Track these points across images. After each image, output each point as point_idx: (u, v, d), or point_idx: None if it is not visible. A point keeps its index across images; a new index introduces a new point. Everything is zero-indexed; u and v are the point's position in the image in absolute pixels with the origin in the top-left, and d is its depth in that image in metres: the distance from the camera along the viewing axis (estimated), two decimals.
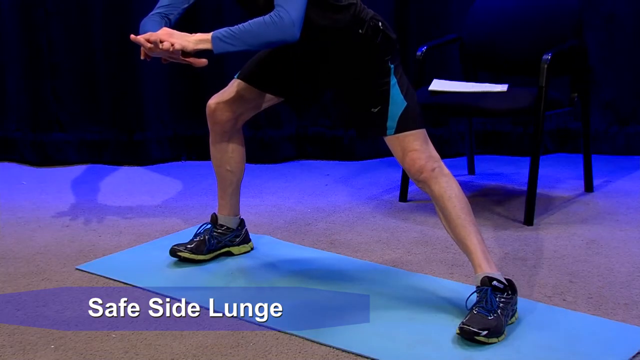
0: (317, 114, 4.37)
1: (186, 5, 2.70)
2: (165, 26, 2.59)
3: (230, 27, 2.41)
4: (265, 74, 2.79)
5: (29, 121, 4.36)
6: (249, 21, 2.40)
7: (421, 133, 2.59)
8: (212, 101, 2.85)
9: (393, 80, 2.59)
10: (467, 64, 3.81)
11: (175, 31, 2.47)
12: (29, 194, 3.86)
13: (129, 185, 4.01)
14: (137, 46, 2.50)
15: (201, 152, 4.27)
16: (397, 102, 2.58)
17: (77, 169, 4.28)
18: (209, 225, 3.00)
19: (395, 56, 2.61)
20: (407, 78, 2.64)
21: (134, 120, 4.35)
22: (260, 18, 2.39)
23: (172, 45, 2.41)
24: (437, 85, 3.53)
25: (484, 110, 3.43)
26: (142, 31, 2.59)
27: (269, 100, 2.84)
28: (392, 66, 2.59)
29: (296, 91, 2.80)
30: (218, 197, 3.00)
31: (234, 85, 2.83)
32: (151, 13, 2.68)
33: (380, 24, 2.59)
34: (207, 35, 2.41)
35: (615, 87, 4.25)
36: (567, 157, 4.28)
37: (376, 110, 2.59)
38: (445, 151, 4.26)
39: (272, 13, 2.39)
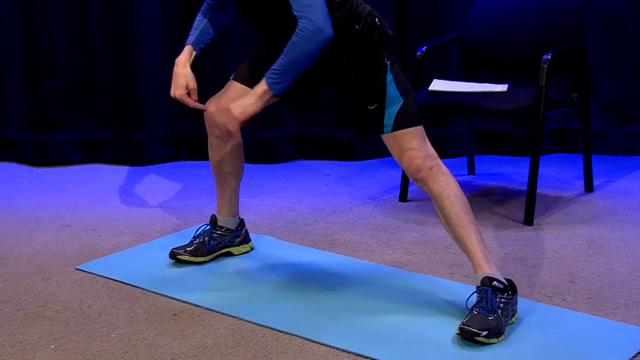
0: (317, 114, 4.36)
1: None
2: (224, 17, 2.78)
3: (274, 66, 2.49)
4: (259, 74, 2.78)
5: (28, 121, 4.35)
6: (284, 51, 2.46)
7: (418, 131, 2.58)
8: (210, 104, 2.84)
9: (389, 77, 2.57)
10: (467, 64, 3.81)
11: (239, 100, 2.58)
12: (29, 194, 3.86)
13: (129, 185, 4.01)
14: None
15: (201, 152, 4.27)
16: (394, 100, 2.56)
17: (77, 169, 4.27)
18: (208, 227, 2.99)
19: (392, 53, 2.59)
20: (404, 75, 2.62)
21: (134, 120, 4.34)
22: (291, 41, 2.44)
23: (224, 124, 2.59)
24: (437, 85, 3.52)
25: (484, 110, 3.42)
26: (199, 29, 2.75)
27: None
28: (388, 63, 2.57)
29: (292, 90, 2.79)
30: (217, 198, 2.99)
31: (230, 87, 2.82)
32: (202, 7, 2.79)
33: (376, 20, 2.58)
34: (263, 86, 2.51)
35: (615, 87, 4.25)
36: (567, 157, 4.27)
37: (372, 107, 2.57)
38: (445, 151, 4.26)
39: (297, 29, 2.42)
